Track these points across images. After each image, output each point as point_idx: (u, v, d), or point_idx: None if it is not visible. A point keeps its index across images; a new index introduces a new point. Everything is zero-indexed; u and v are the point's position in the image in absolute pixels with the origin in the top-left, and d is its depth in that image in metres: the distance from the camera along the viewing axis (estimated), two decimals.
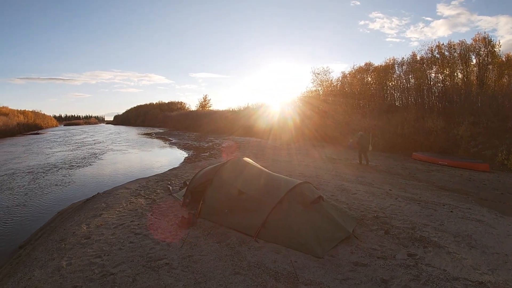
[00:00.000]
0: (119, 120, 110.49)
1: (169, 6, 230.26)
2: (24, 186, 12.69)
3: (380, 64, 28.00)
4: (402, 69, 26.29)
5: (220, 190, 6.97)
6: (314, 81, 33.61)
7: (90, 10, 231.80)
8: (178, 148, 26.89)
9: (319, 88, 33.64)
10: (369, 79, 28.99)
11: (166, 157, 21.99)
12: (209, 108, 71.51)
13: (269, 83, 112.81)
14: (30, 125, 63.88)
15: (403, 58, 26.43)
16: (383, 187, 10.46)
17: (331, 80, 32.64)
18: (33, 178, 14.23)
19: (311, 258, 5.10)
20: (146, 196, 9.21)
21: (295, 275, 4.61)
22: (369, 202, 8.41)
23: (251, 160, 8.00)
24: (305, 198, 6.09)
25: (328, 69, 33.45)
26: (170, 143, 32.06)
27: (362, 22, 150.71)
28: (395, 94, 27.05)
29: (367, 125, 22.83)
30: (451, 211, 7.78)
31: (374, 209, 7.81)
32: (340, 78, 31.75)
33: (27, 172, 15.73)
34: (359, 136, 15.54)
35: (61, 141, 35.71)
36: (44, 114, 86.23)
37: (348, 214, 7.05)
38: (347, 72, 31.30)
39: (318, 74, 32.99)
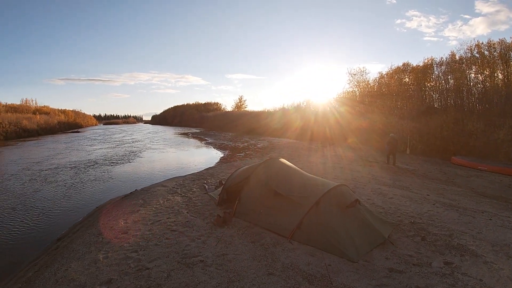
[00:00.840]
0: (156, 120, 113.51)
1: (205, 8, 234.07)
2: (66, 180, 13.38)
3: (418, 64, 27.19)
4: (441, 70, 25.41)
5: (255, 190, 7.02)
6: (350, 81, 33.29)
7: (128, 13, 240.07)
8: (214, 148, 27.22)
9: (356, 89, 33.22)
10: (407, 80, 28.15)
11: (202, 156, 22.34)
12: (245, 109, 72.01)
13: (304, 84, 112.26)
14: (70, 124, 66.99)
15: (441, 58, 25.55)
16: (421, 192, 10.16)
17: (368, 81, 32.09)
18: (75, 173, 15.00)
19: (346, 262, 5.05)
20: (183, 194, 9.43)
21: (328, 279, 4.59)
22: (406, 207, 8.19)
23: (286, 161, 7.95)
24: (341, 201, 6.01)
25: (364, 69, 33.02)
26: (206, 143, 32.50)
27: (398, 21, 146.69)
28: (434, 95, 26.12)
29: (404, 127, 22.22)
30: (490, 219, 7.44)
31: (411, 214, 7.60)
32: (377, 78, 31.18)
33: (69, 167, 16.59)
34: (389, 137, 15.44)
35: (101, 139, 37.28)
36: (84, 113, 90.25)
37: (384, 219, 6.88)
38: (384, 73, 30.65)
39: (354, 74, 32.61)
